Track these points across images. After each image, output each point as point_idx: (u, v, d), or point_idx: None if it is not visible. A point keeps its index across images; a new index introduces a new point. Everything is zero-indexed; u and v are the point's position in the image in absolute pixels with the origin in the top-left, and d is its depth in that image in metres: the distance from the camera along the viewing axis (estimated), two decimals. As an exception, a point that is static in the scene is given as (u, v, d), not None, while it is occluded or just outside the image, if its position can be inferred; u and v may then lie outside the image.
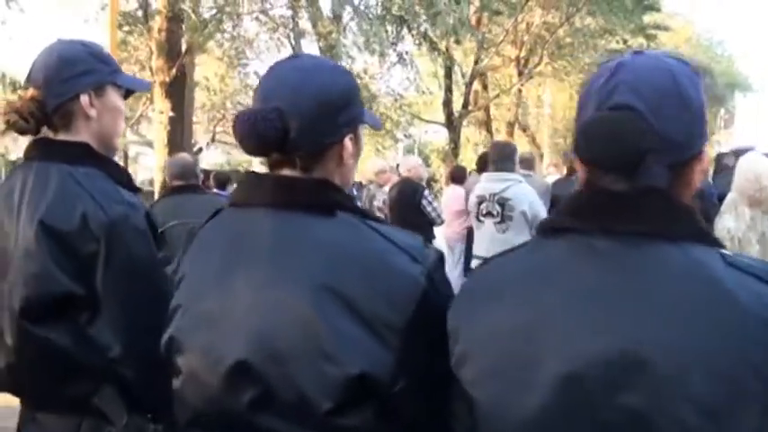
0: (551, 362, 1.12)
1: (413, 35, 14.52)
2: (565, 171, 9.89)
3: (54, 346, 1.74)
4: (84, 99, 1.88)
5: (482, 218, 6.09)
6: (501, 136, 23.88)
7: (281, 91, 1.41)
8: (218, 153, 30.55)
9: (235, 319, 1.35)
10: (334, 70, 1.49)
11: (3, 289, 1.81)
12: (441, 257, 1.43)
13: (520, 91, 22.45)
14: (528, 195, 5.98)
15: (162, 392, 1.76)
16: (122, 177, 1.90)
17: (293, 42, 14.89)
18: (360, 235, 1.38)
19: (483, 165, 9.00)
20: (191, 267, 1.50)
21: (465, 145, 22.72)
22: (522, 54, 21.50)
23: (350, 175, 1.51)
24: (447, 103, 19.91)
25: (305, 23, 14.96)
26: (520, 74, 21.67)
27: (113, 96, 1.96)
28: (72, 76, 1.87)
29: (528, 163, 8.47)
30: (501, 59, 21.33)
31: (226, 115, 19.04)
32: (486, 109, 22.13)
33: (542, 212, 6.01)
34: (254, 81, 15.69)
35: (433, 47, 15.30)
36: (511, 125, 23.83)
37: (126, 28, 12.77)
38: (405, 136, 21.96)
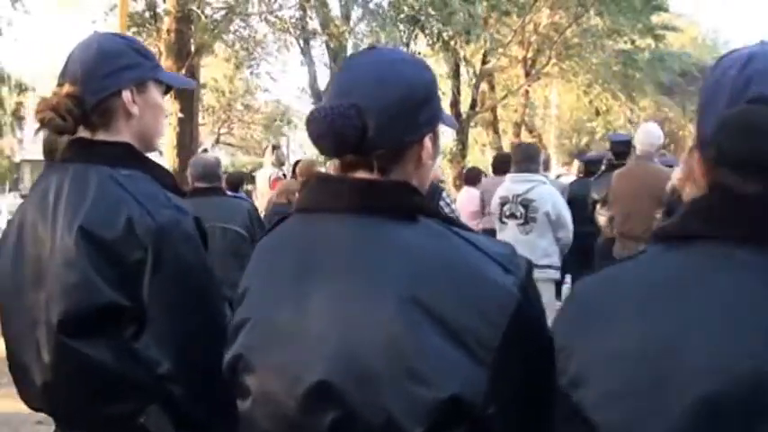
0: (686, 384, 0.99)
1: (426, 35, 14.38)
2: (575, 171, 9.78)
3: (95, 362, 1.60)
4: (125, 95, 1.75)
5: (505, 219, 5.98)
6: (508, 137, 23.81)
7: (359, 86, 1.30)
8: (223, 155, 30.55)
9: (312, 336, 1.23)
10: (416, 64, 1.38)
11: (38, 300, 1.67)
12: (531, 267, 1.30)
13: (527, 92, 22.32)
14: (552, 196, 5.89)
15: (211, 410, 1.63)
16: (167, 180, 1.76)
17: (301, 44, 14.79)
18: (447, 243, 1.27)
19: (498, 166, 8.93)
20: (257, 279, 1.38)
21: (472, 146, 22.59)
22: (530, 54, 21.39)
23: (428, 177, 1.41)
24: (455, 104, 19.76)
25: (314, 24, 14.84)
26: (527, 74, 21.56)
27: (155, 93, 1.82)
28: (113, 71, 1.73)
29: (545, 164, 8.36)
30: (508, 60, 21.20)
31: (230, 117, 18.95)
32: (494, 110, 21.99)
33: (566, 213, 5.92)
34: (264, 82, 15.59)
35: (446, 47, 15.16)
36: (518, 126, 23.72)
37: (134, 29, 12.65)
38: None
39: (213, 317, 1.69)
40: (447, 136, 27.35)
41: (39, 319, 1.66)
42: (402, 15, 13.31)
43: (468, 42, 14.99)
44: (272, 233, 1.44)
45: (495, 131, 22.96)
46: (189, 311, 1.64)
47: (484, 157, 27.46)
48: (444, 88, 20.07)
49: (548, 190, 5.92)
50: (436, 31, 13.33)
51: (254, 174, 14.61)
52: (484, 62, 18.98)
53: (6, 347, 1.80)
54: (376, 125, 1.26)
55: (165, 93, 1.89)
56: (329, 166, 10.81)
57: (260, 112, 35.63)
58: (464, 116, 19.86)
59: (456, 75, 19.44)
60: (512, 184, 6.04)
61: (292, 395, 1.23)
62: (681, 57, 24.01)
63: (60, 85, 1.75)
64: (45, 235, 1.68)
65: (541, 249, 5.84)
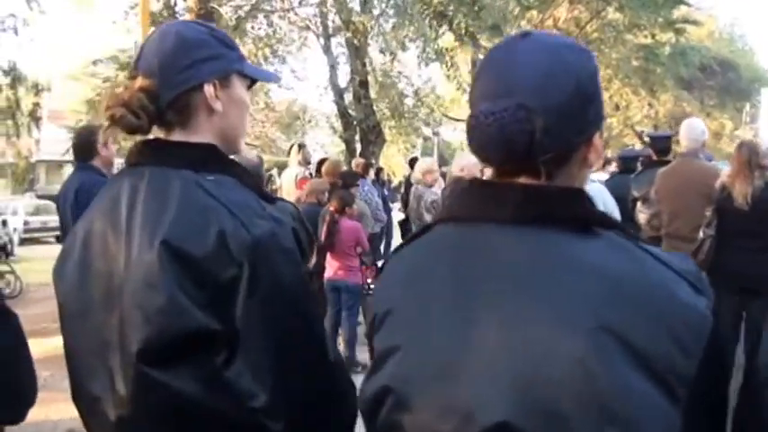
0: None
1: (453, 30, 14.14)
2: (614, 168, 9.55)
3: (181, 394, 1.38)
4: (208, 90, 1.53)
5: (553, 219, 5.75)
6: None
7: (522, 80, 1.11)
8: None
9: (482, 369, 1.05)
10: (580, 51, 1.18)
11: (109, 323, 1.46)
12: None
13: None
14: (602, 194, 5.67)
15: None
16: (255, 186, 1.55)
17: (322, 42, 14.60)
18: (634, 260, 1.08)
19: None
20: (403, 299, 1.18)
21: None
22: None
23: (587, 180, 1.22)
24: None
25: (332, 20, 14.65)
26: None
27: (240, 87, 1.61)
28: (194, 63, 1.52)
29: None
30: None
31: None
32: (513, 106, 21.76)
33: (616, 213, 5.70)
34: (287, 80, 15.39)
35: (475, 42, 14.93)
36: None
37: (153, 28, 12.51)
38: (433, 133, 21.67)
39: (314, 342, 1.48)
40: (457, 134, 27.13)
41: (111, 345, 1.45)
42: (429, 11, 13.07)
43: (497, 37, 14.75)
44: (414, 245, 1.24)
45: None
46: (287, 336, 1.42)
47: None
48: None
49: (597, 188, 5.69)
50: (464, 26, 13.10)
51: (270, 173, 14.43)
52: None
53: (70, 373, 1.61)
54: (544, 126, 1.09)
55: (249, 87, 1.68)
56: (355, 165, 10.60)
57: (275, 111, 35.51)
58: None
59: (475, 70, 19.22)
60: (560, 183, 5.82)
61: None
62: (701, 51, 23.75)
63: (132, 77, 1.55)
64: (117, 249, 1.47)
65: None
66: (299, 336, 1.44)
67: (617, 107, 26.75)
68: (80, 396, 1.58)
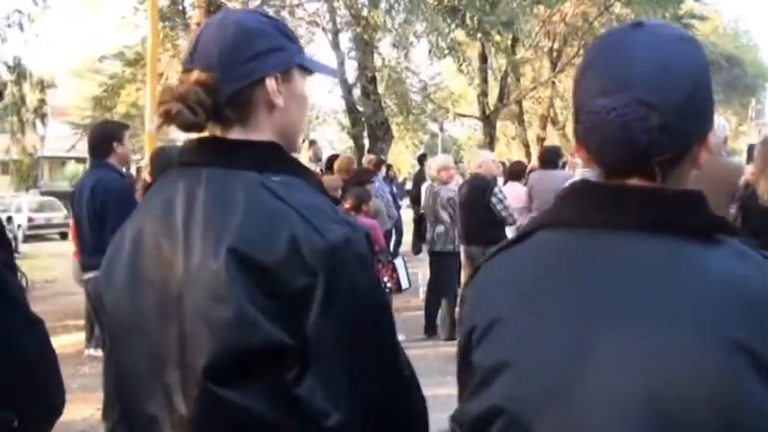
0: None
1: (467, 25, 14.01)
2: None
3: (249, 414, 1.26)
4: (270, 84, 1.41)
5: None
6: (533, 129, 23.48)
7: (640, 75, 1.03)
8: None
9: (610, 390, 0.95)
10: (695, 44, 1.10)
11: (165, 337, 1.35)
12: None
13: (553, 83, 21.97)
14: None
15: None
16: (322, 188, 1.44)
17: (330, 37, 14.47)
18: (760, 269, 0.99)
19: (547, 159, 8.61)
20: (510, 310, 1.08)
21: (500, 139, 22.30)
22: (556, 46, 21.06)
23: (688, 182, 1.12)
24: (483, 96, 19.41)
25: (343, 15, 14.52)
26: (553, 66, 21.21)
27: (300, 82, 1.48)
28: (257, 55, 1.40)
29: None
30: (533, 51, 20.85)
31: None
32: (519, 102, 21.65)
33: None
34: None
35: (487, 37, 14.79)
36: (544, 119, 23.41)
37: (160, 24, 12.39)
38: (440, 130, 21.56)
39: (390, 356, 1.38)
40: (464, 130, 26.96)
41: (169, 361, 1.34)
42: (440, 5, 12.94)
43: (510, 33, 14.64)
44: (515, 252, 1.14)
45: (521, 124, 22.64)
46: (363, 349, 1.30)
47: (508, 150, 27.13)
48: (462, 82, 19.82)
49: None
50: (477, 21, 12.97)
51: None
52: (511, 53, 18.58)
53: (117, 391, 1.50)
54: (660, 124, 1.01)
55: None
56: (367, 162, 10.48)
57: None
58: (492, 108, 19.53)
59: (483, 66, 19.08)
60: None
61: None
62: (708, 46, 23.72)
63: (187, 71, 1.42)
64: (173, 256, 1.35)
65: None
66: (374, 349, 1.33)
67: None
68: (131, 416, 1.46)
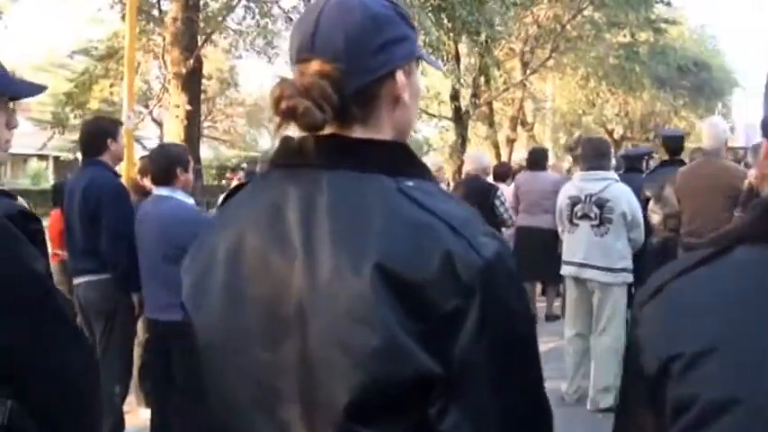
0: None
1: (450, 25, 13.84)
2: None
3: None
4: (400, 78, 1.23)
5: (576, 220, 5.55)
6: (504, 131, 23.47)
7: None
8: (205, 148, 29.84)
9: None
10: None
11: (277, 365, 1.16)
12: None
13: (524, 85, 21.99)
14: (627, 195, 5.50)
15: None
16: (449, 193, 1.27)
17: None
18: None
19: (534, 161, 8.60)
20: (724, 337, 0.93)
21: (472, 140, 22.26)
22: (527, 48, 21.09)
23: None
24: (455, 97, 19.32)
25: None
26: (524, 67, 21.24)
27: (417, 75, 1.32)
28: (386, 44, 1.21)
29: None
30: (504, 53, 20.83)
31: (212, 110, 18.48)
32: (490, 104, 21.62)
33: (640, 213, 5.54)
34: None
35: (473, 37, 14.63)
36: (514, 120, 23.44)
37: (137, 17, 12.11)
38: (412, 131, 21.39)
39: (538, 386, 1.22)
40: (435, 131, 26.83)
41: (282, 391, 1.14)
42: (428, 3, 12.80)
43: (493, 33, 14.54)
44: (714, 269, 0.99)
45: (491, 125, 22.61)
46: (513, 380, 1.14)
47: (479, 151, 27.09)
48: (435, 82, 19.73)
49: (622, 188, 5.49)
50: (462, 20, 12.82)
51: (242, 168, 14.06)
52: (482, 55, 18.43)
53: (202, 422, 1.32)
54: None
55: None
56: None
57: (244, 105, 34.93)
58: (464, 109, 19.45)
59: (457, 67, 18.98)
60: (584, 183, 5.59)
61: None
62: (678, 50, 23.99)
63: (305, 60, 1.21)
64: (289, 270, 1.14)
65: (617, 252, 5.43)
66: (524, 380, 1.17)
67: (593, 105, 26.82)
68: None
